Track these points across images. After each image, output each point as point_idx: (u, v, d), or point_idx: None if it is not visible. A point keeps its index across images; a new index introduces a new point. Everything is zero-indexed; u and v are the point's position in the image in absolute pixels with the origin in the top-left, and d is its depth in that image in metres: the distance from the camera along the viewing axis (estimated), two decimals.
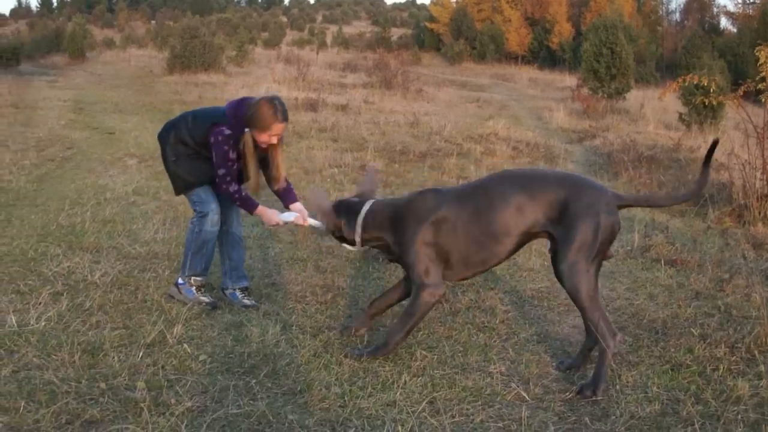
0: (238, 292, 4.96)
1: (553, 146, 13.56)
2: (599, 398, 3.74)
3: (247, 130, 4.52)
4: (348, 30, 76.88)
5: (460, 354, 4.25)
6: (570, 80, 29.05)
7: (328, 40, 61.63)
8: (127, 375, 3.74)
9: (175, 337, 4.22)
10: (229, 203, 4.87)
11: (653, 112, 19.31)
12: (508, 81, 34.45)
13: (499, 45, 48.20)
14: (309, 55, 35.07)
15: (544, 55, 47.38)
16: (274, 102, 4.50)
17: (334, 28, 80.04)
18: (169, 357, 3.99)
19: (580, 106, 20.39)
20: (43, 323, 4.30)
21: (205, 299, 4.82)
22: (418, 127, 14.46)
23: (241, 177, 4.67)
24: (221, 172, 4.55)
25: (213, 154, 4.55)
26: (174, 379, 3.75)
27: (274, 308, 4.84)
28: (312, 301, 5.02)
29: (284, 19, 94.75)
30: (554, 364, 4.19)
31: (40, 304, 4.59)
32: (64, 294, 4.82)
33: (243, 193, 4.64)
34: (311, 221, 4.64)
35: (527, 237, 3.97)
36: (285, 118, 4.52)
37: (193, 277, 4.83)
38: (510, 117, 18.03)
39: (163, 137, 4.81)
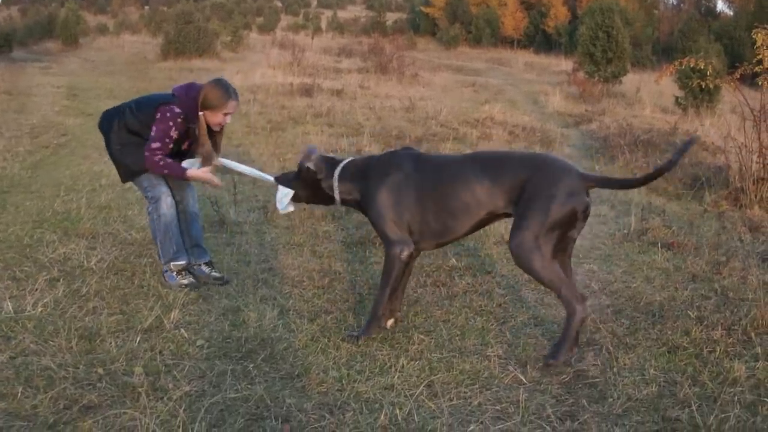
0: (204, 267, 5.06)
1: (549, 130, 13.54)
2: (554, 362, 3.83)
3: (201, 113, 4.63)
4: (343, 15, 76.53)
5: (457, 337, 4.26)
6: (566, 64, 28.96)
7: (323, 25, 61.33)
8: (125, 360, 3.75)
9: (172, 322, 4.22)
10: (185, 183, 4.98)
11: (649, 95, 19.28)
12: (504, 65, 34.34)
13: (494, 29, 48.03)
14: (304, 40, 34.92)
15: (539, 39, 47.23)
16: (221, 82, 4.70)
17: (328, 12, 79.65)
18: (167, 342, 3.99)
19: (576, 90, 20.36)
20: (39, 309, 4.30)
21: (185, 281, 4.88)
22: (414, 112, 14.44)
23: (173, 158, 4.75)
24: (155, 145, 4.60)
25: (155, 126, 4.59)
26: (171, 364, 3.76)
27: (271, 293, 4.84)
28: (309, 286, 5.02)
29: (279, 4, 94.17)
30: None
31: (36, 290, 4.59)
32: (61, 280, 4.82)
33: (168, 161, 4.67)
34: (257, 172, 4.76)
35: (489, 217, 4.04)
36: (236, 95, 4.71)
37: (172, 262, 4.88)
38: (506, 101, 17.99)
39: (105, 126, 4.84)
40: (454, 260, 5.62)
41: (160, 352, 3.88)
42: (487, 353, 4.06)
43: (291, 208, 4.46)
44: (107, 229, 6.05)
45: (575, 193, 3.81)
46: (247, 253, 5.67)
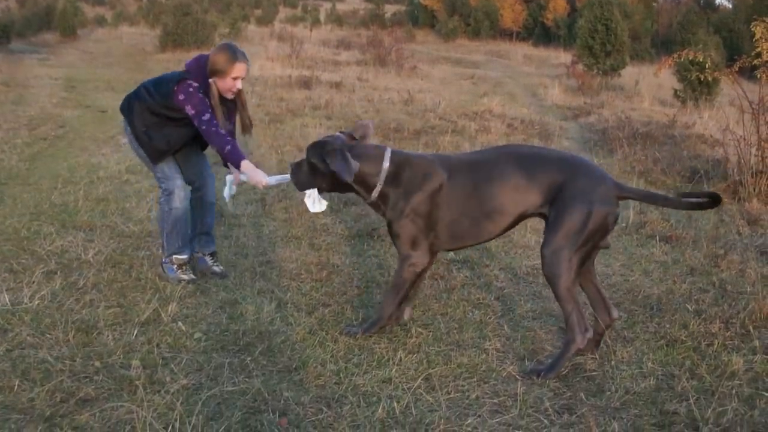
0: (207, 258, 5.04)
1: (548, 123, 13.51)
2: (538, 380, 3.68)
3: (210, 80, 4.55)
4: (341, 7, 76.31)
5: (455, 331, 4.25)
6: (565, 57, 28.87)
7: (322, 17, 61.20)
8: (122, 353, 3.74)
9: (169, 315, 4.21)
10: (206, 171, 4.96)
11: (648, 88, 19.25)
12: (503, 58, 34.27)
13: (493, 21, 47.91)
14: (302, 32, 34.86)
15: (538, 32, 47.12)
16: (227, 45, 4.62)
17: (327, 5, 79.39)
18: (164, 335, 3.99)
19: (575, 82, 20.31)
20: (36, 302, 4.29)
21: (185, 277, 4.83)
22: (413, 105, 14.40)
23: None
24: (206, 117, 4.48)
25: (188, 107, 4.49)
26: (169, 357, 3.75)
27: (269, 286, 4.83)
28: (307, 279, 5.01)
29: None
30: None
31: (33, 282, 4.57)
32: (58, 273, 4.80)
33: (232, 141, 4.52)
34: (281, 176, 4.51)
35: (522, 217, 3.91)
36: (244, 57, 4.57)
37: (174, 256, 4.84)
38: (505, 94, 17.95)
39: (127, 110, 4.75)
40: (452, 253, 5.61)
41: (158, 345, 3.87)
42: (485, 346, 4.06)
43: (321, 208, 4.12)
44: (105, 222, 6.04)
45: (610, 202, 3.70)
46: (244, 245, 5.66)
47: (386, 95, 15.64)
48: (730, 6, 43.93)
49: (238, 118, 4.86)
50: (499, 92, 18.03)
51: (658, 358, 3.94)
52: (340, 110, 13.26)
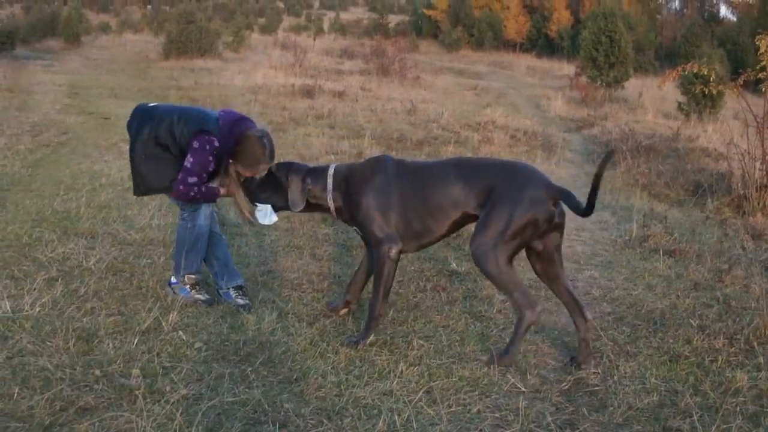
0: (231, 291, 4.69)
1: (551, 135, 13.52)
2: (498, 366, 3.90)
3: (231, 162, 4.40)
4: (345, 16, 76.61)
5: (457, 343, 4.24)
6: (568, 68, 28.93)
7: (325, 26, 61.40)
8: (122, 362, 3.73)
9: (170, 324, 4.20)
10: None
11: (652, 101, 19.27)
12: (506, 69, 34.34)
13: (497, 32, 48.04)
14: (306, 41, 34.89)
15: (542, 43, 47.24)
16: (264, 141, 4.36)
17: (331, 14, 79.73)
18: (165, 344, 3.97)
19: (578, 94, 20.34)
20: (37, 309, 4.28)
21: (201, 297, 4.64)
22: (416, 115, 14.42)
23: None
24: (192, 179, 4.32)
25: (191, 158, 4.31)
26: (169, 366, 3.74)
27: (270, 296, 4.82)
28: (308, 289, 5.00)
29: (281, 4, 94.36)
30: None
31: (34, 289, 4.56)
32: (59, 280, 4.79)
33: (201, 189, 4.39)
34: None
35: (464, 218, 4.15)
36: (272, 159, 4.39)
37: (188, 276, 4.64)
38: (508, 105, 17.98)
39: (134, 129, 4.49)
40: (454, 265, 5.60)
41: (158, 354, 3.86)
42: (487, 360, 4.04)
43: (275, 218, 4.43)
44: (106, 229, 6.03)
45: (540, 201, 3.91)
46: (246, 255, 5.65)
47: (389, 105, 15.67)
48: (735, 19, 43.99)
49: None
50: (502, 103, 18.05)
51: (662, 373, 3.92)
52: (343, 120, 13.27)
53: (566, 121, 16.12)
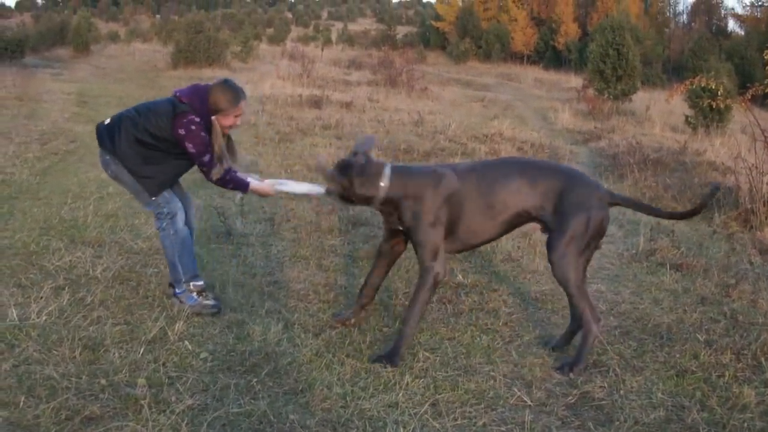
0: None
1: (558, 147, 13.51)
2: (572, 377, 3.97)
3: (213, 118, 4.51)
4: (353, 27, 76.81)
5: (462, 356, 4.23)
6: (575, 81, 28.94)
7: (333, 37, 61.57)
8: (128, 371, 3.73)
9: (176, 334, 4.21)
10: (187, 196, 4.90)
11: (659, 114, 19.23)
12: (514, 81, 34.34)
13: (504, 44, 48.06)
14: (314, 51, 35.03)
15: (549, 56, 47.25)
16: (230, 84, 4.57)
17: (339, 25, 79.98)
18: (170, 354, 3.98)
19: (585, 107, 20.31)
20: (44, 318, 4.29)
21: (209, 302, 4.67)
22: (423, 126, 14.42)
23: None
24: (206, 159, 4.46)
25: (189, 144, 4.42)
26: (175, 376, 3.74)
27: (276, 307, 4.82)
28: (314, 300, 5.00)
29: (289, 15, 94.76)
30: (540, 343, 4.45)
31: (41, 298, 4.57)
32: (66, 288, 4.80)
33: (232, 174, 4.57)
34: (307, 186, 4.66)
35: (520, 219, 4.20)
36: (245, 94, 4.61)
37: (192, 283, 4.68)
38: (515, 117, 17.98)
39: (112, 143, 4.53)
40: (460, 277, 5.60)
41: (164, 364, 3.86)
42: (493, 373, 4.04)
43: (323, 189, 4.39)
44: (113, 238, 6.05)
45: (604, 207, 4.10)
46: (252, 265, 5.66)
47: (396, 116, 15.68)
48: (743, 33, 43.97)
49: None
50: (510, 115, 18.05)
51: (668, 388, 3.91)
52: (351, 130, 13.28)
53: (573, 133, 16.10)
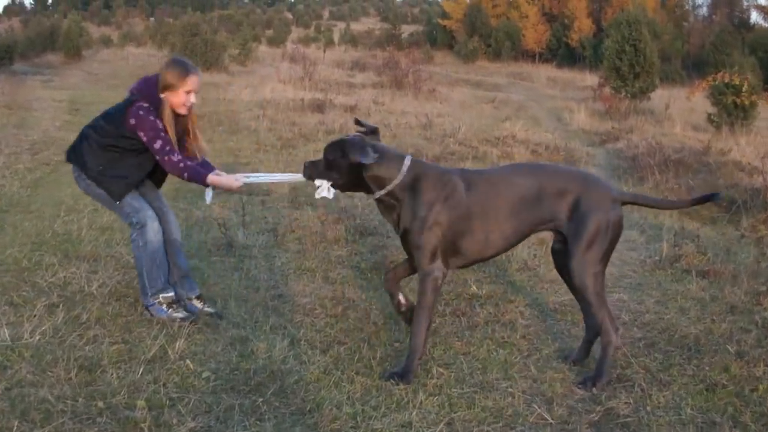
0: (195, 302, 4.90)
1: (574, 149, 13.52)
2: (596, 392, 3.95)
3: (162, 96, 4.55)
4: (356, 27, 77.05)
5: (478, 371, 4.21)
6: (591, 79, 28.97)
7: (336, 37, 61.75)
8: (127, 393, 3.72)
9: (176, 353, 4.19)
10: (165, 207, 4.93)
11: (680, 112, 19.22)
12: (526, 80, 34.41)
13: (515, 42, 48.17)
14: (315, 53, 35.11)
15: (563, 53, 47.33)
16: (176, 58, 4.71)
17: (341, 25, 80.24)
18: (171, 374, 3.96)
19: (601, 106, 20.34)
20: (37, 337, 4.28)
21: (179, 315, 4.70)
22: (431, 129, 14.44)
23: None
24: (158, 145, 4.48)
25: (141, 132, 4.48)
26: (176, 397, 3.72)
27: (282, 322, 4.81)
28: (321, 315, 4.99)
29: (289, 15, 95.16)
30: (560, 357, 4.43)
31: (34, 316, 4.57)
32: (60, 306, 4.80)
33: (188, 163, 4.58)
34: (281, 175, 4.66)
35: (534, 227, 4.18)
36: (196, 69, 4.63)
37: (161, 295, 4.72)
38: (528, 118, 17.99)
39: (74, 157, 4.70)
40: (474, 288, 5.58)
41: (164, 384, 3.85)
42: (511, 389, 4.01)
43: (331, 194, 4.29)
44: (109, 252, 6.05)
45: (618, 208, 4.13)
46: (255, 278, 5.65)
47: (403, 119, 15.70)
48: (767, 25, 43.89)
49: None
50: (522, 116, 18.07)
51: (698, 403, 3.88)
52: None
53: (589, 134, 16.11)
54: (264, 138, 12.44)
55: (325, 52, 36.94)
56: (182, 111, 4.64)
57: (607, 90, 21.62)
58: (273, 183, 4.83)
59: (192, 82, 4.58)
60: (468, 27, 52.12)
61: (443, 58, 47.48)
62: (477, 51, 46.21)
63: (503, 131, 14.66)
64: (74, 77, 24.15)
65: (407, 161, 4.14)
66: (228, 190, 4.72)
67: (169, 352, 4.19)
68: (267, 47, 45.52)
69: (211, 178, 4.57)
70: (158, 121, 4.52)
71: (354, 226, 6.94)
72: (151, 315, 4.73)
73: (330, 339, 4.58)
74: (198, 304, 4.90)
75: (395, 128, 14.42)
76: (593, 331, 4.27)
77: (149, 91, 4.58)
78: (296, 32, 69.64)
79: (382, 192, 4.13)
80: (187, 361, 4.10)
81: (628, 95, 21.04)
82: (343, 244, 6.59)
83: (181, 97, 4.58)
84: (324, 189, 4.23)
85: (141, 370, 3.97)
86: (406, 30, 62.02)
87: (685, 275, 6.09)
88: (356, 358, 4.31)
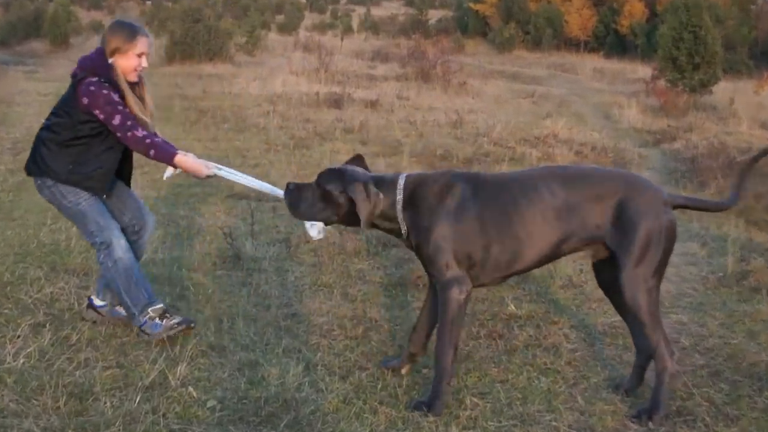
0: (119, 308, 4.97)
1: (624, 150, 13.47)
2: (652, 426, 3.91)
3: (110, 61, 4.57)
4: (377, 12, 77.34)
5: (518, 402, 4.21)
6: (643, 71, 28.88)
7: (354, 24, 62.02)
8: (122, 424, 3.74)
9: (178, 379, 4.21)
10: (144, 210, 4.98)
11: (746, 108, 19.11)
12: (569, 72, 34.35)
13: (557, 29, 48.13)
14: (332, 41, 35.25)
15: (611, 41, 47.22)
16: (121, 20, 4.76)
17: (361, 10, 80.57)
18: (172, 402, 3.99)
19: (656, 101, 20.26)
20: (21, 361, 4.31)
21: (175, 321, 4.73)
22: (462, 128, 14.45)
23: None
24: (117, 120, 4.47)
25: (96, 110, 4.48)
26: (177, 429, 3.75)
27: (296, 344, 4.82)
28: (340, 336, 4.99)
29: None
30: (610, 387, 4.40)
31: (18, 337, 4.61)
32: (47, 325, 4.83)
33: (155, 139, 4.58)
34: (260, 183, 4.68)
35: (568, 245, 4.13)
36: (144, 31, 4.68)
37: (150, 309, 4.74)
38: (571, 115, 17.95)
39: (36, 166, 4.70)
40: (512, 307, 5.56)
41: (164, 414, 3.87)
42: (555, 422, 4.00)
43: (322, 234, 4.37)
44: None
45: (670, 212, 4.09)
46: (266, 295, 5.67)
47: (431, 116, 15.72)
48: None
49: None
50: (565, 113, 18.03)
51: None
52: (377, 134, 13.33)
53: (642, 133, 16.05)
54: (274, 137, 12.49)
55: (342, 40, 37.08)
56: (133, 77, 4.67)
57: (662, 83, 21.53)
58: (249, 187, 4.79)
59: (143, 43, 4.63)
60: (504, 12, 52.14)
61: (475, 47, 47.54)
62: (514, 39, 46.22)
63: (543, 130, 14.63)
64: (61, 68, 24.30)
65: (401, 181, 4.18)
66: (195, 176, 4.71)
67: (170, 378, 4.21)
68: (277, 35, 45.78)
69: (180, 158, 4.58)
70: (113, 94, 4.52)
71: (376, 237, 6.94)
72: (148, 335, 4.73)
73: (350, 364, 4.58)
74: (121, 310, 4.94)
75: (421, 126, 14.44)
76: (645, 354, 4.25)
77: (95, 63, 4.60)
78: (310, 18, 70.04)
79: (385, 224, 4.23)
80: (190, 389, 4.12)
81: (687, 89, 20.94)
82: (365, 257, 6.60)
83: (132, 61, 4.61)
84: (315, 229, 4.30)
85: (138, 398, 3.99)
86: (434, 15, 62.23)
87: (753, 294, 6.05)
88: (380, 385, 4.31)
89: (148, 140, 4.52)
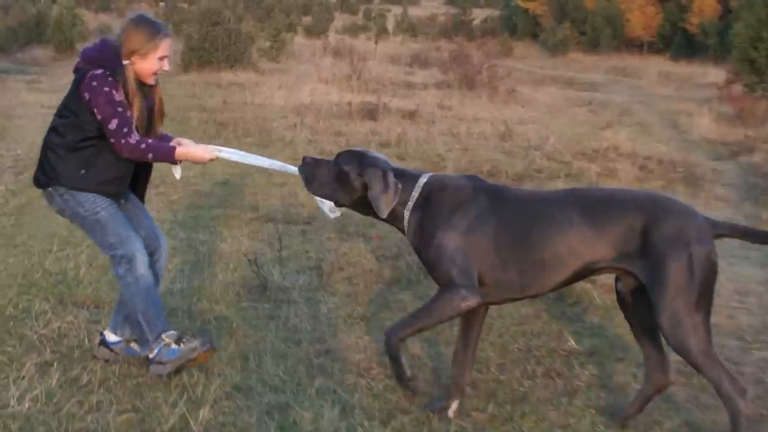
0: (135, 345, 4.98)
1: (695, 164, 13.37)
2: None
3: (126, 62, 4.58)
4: (415, 12, 77.62)
5: None
6: (716, 74, 28.72)
7: (390, 25, 62.24)
8: None
9: (200, 424, 4.22)
10: (158, 230, 5.02)
11: None
12: (631, 77, 34.20)
13: (617, 29, 47.97)
14: (365, 45, 35.43)
15: (679, 41, 46.98)
16: (144, 17, 4.75)
17: (396, 9, 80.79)
18: None
19: (731, 108, 20.10)
20: (27, 404, 4.34)
21: (193, 344, 4.71)
22: (512, 140, 14.43)
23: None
24: (113, 124, 4.48)
25: (94, 109, 4.50)
26: None
27: (330, 384, 4.82)
28: (379, 376, 4.99)
29: None
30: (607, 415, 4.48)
31: (23, 378, 4.63)
32: (55, 365, 4.86)
33: (149, 141, 4.61)
34: (276, 163, 4.75)
35: (588, 271, 4.19)
36: (167, 29, 4.73)
37: (164, 335, 4.75)
38: (634, 125, 17.86)
39: (46, 176, 4.75)
40: (572, 342, 5.54)
41: None
42: None
43: (336, 213, 4.49)
44: (113, 296, 6.07)
45: (708, 240, 4.03)
46: (296, 329, 5.68)
47: (476, 128, 15.71)
48: None
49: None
50: (627, 123, 17.96)
51: None
52: (416, 148, 13.34)
53: (715, 145, 15.93)
54: (303, 152, 12.50)
55: (377, 43, 37.25)
56: (151, 81, 4.71)
57: (737, 88, 21.37)
58: (259, 168, 4.83)
59: (166, 44, 4.65)
60: (557, 11, 52.10)
61: (525, 50, 47.52)
62: (568, 41, 46.15)
63: (603, 142, 14.57)
64: (66, 77, 24.36)
65: (422, 180, 4.32)
66: (200, 163, 4.80)
67: (191, 423, 4.22)
68: (304, 38, 46.05)
69: (180, 151, 4.63)
70: (116, 93, 4.53)
71: (417, 263, 6.93)
72: (164, 365, 4.72)
73: (391, 406, 4.57)
74: (136, 347, 4.94)
75: (466, 139, 14.44)
76: (653, 385, 4.37)
77: (102, 54, 4.62)
78: (340, 19, 70.40)
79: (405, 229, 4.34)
80: None
81: (766, 95, 20.76)
82: (405, 285, 6.60)
83: (152, 64, 4.65)
84: (326, 206, 4.43)
85: None
86: (479, 15, 62.30)
87: None
88: (424, 430, 4.30)
89: (143, 145, 4.56)
